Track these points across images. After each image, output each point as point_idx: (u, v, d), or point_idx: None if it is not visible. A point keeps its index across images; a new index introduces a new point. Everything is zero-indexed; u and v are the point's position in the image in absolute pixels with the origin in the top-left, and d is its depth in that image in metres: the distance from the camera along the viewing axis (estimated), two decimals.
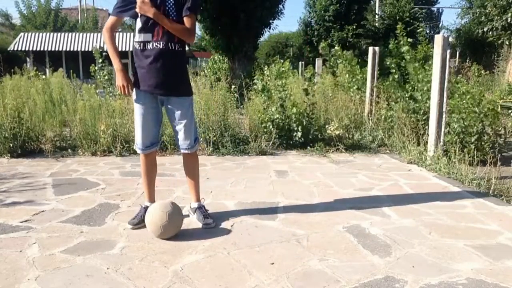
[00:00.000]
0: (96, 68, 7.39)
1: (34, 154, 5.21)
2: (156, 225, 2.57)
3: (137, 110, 2.77)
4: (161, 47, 2.63)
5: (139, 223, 2.80)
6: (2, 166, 4.64)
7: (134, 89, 2.75)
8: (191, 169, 2.93)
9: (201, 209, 2.91)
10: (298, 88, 6.62)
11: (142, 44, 2.66)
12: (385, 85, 6.45)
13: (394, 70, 6.22)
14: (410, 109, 5.60)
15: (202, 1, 13.73)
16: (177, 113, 2.77)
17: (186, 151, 2.84)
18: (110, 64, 6.93)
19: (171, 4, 2.64)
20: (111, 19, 2.74)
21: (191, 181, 2.95)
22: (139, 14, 2.63)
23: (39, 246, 2.49)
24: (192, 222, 2.91)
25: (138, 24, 2.66)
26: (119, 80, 2.68)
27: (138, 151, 2.85)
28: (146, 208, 2.84)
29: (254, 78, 6.37)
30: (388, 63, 6.29)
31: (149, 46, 2.64)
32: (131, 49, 22.15)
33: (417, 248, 2.52)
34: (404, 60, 6.03)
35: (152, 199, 2.94)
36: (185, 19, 2.66)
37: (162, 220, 2.55)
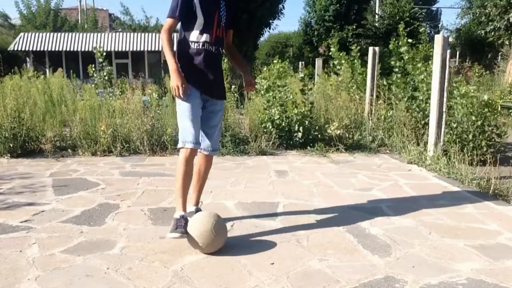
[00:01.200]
0: (93, 69, 7.35)
1: (34, 154, 5.22)
2: (204, 244, 2.40)
3: (186, 105, 2.63)
4: (213, 50, 2.67)
5: (183, 234, 2.45)
6: (2, 166, 4.64)
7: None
8: (206, 172, 2.93)
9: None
10: (299, 88, 6.61)
11: (200, 44, 2.63)
12: (388, 83, 6.43)
13: (397, 69, 6.23)
14: (414, 109, 5.59)
15: None
16: (217, 115, 2.80)
17: (214, 153, 2.87)
18: (110, 64, 6.81)
19: (223, 9, 2.67)
20: (170, 21, 2.62)
21: (200, 184, 2.93)
22: (199, 14, 2.59)
23: (39, 246, 2.49)
24: None
25: (198, 24, 2.61)
26: (174, 80, 2.55)
27: (190, 146, 2.58)
28: (187, 220, 2.52)
29: (256, 77, 6.35)
30: (393, 62, 6.30)
31: (206, 47, 2.64)
32: (130, 49, 21.95)
33: (417, 248, 2.52)
34: (402, 60, 6.04)
35: (185, 208, 2.65)
36: (230, 32, 2.83)
37: (212, 238, 2.39)
